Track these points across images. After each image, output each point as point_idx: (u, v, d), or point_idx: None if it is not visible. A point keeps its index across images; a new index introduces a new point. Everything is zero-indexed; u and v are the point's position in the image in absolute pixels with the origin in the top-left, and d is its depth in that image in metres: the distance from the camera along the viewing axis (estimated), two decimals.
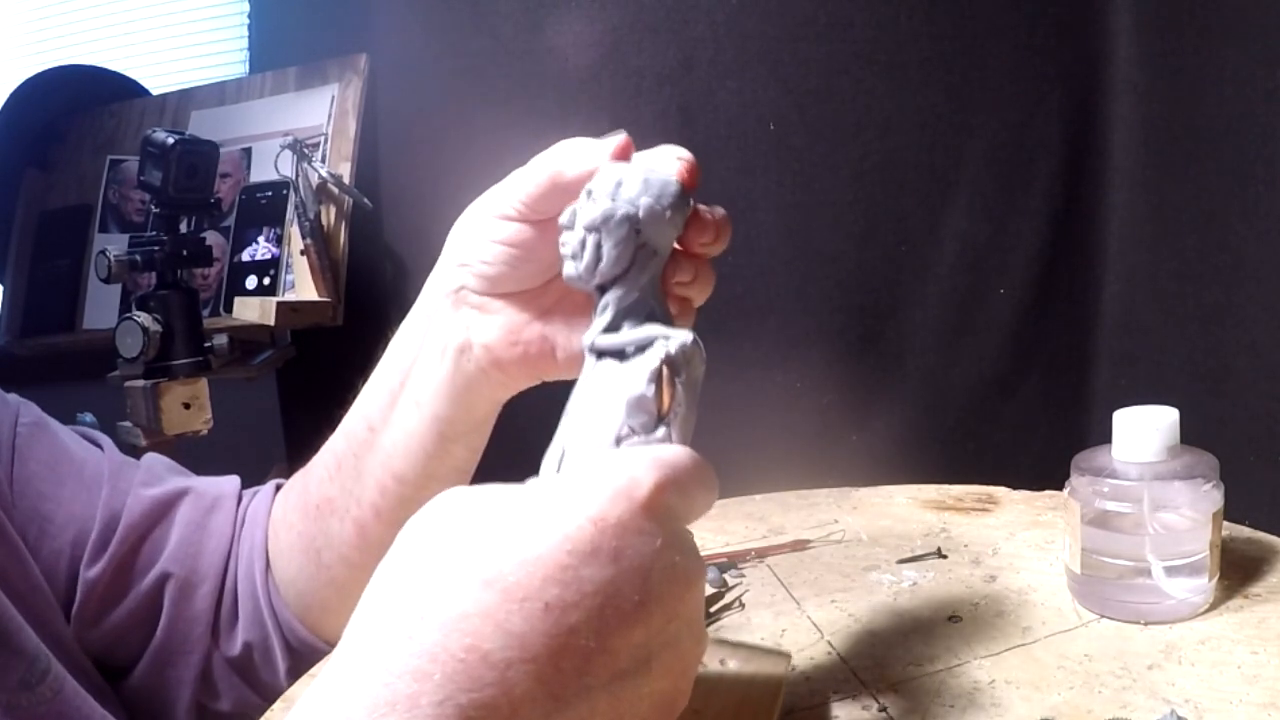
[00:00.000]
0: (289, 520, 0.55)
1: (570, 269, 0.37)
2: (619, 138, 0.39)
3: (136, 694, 0.54)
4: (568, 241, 0.37)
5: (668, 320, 0.38)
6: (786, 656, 0.46)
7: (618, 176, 0.37)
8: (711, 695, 0.40)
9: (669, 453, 0.31)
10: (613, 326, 0.37)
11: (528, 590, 0.28)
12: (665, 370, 0.34)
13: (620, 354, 0.36)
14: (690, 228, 0.38)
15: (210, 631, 0.54)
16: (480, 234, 0.43)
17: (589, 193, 0.37)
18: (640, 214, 0.36)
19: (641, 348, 0.36)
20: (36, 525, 0.51)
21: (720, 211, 0.40)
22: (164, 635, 0.53)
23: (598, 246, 0.36)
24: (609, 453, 0.34)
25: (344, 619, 0.29)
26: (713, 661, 0.44)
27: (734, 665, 0.44)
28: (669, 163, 0.38)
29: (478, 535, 0.29)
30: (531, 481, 0.34)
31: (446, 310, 0.45)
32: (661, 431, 0.34)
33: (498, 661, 0.27)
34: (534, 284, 0.44)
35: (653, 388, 0.34)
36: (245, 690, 0.55)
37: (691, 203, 0.38)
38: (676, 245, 0.39)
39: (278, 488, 0.58)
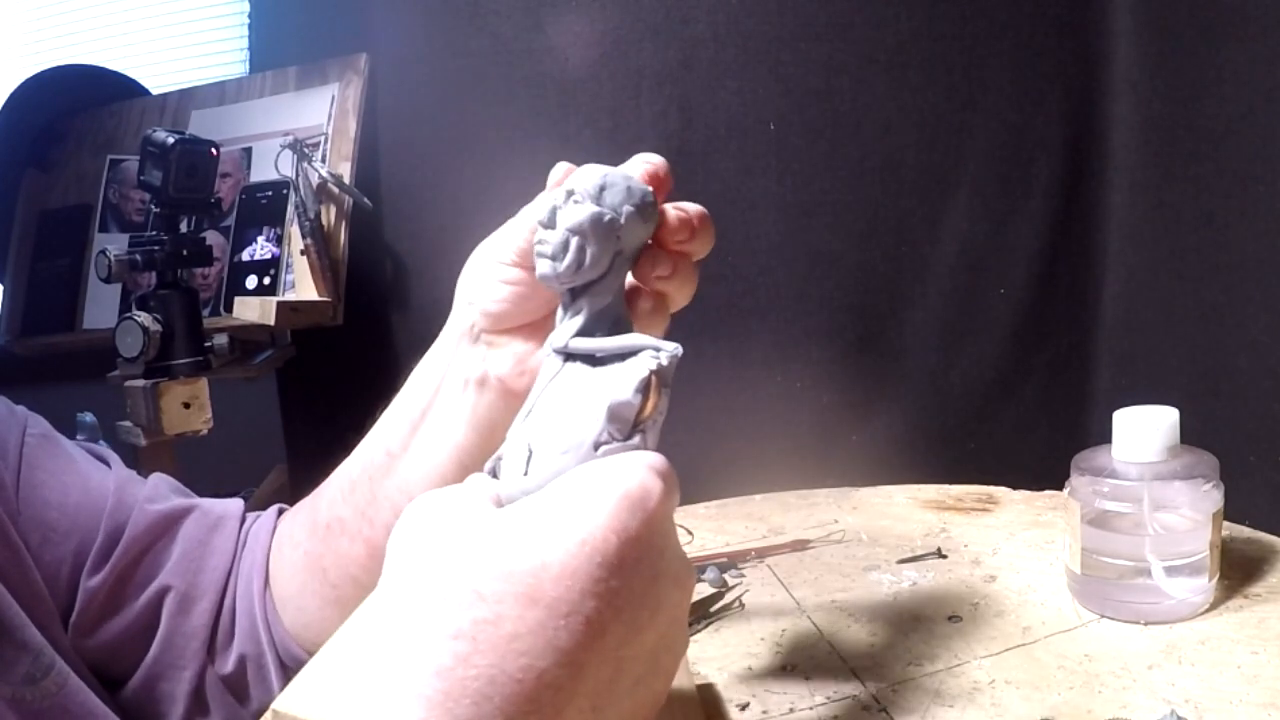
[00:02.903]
0: (295, 539, 0.56)
1: (547, 268, 0.37)
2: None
3: (129, 707, 0.54)
4: (547, 240, 0.37)
5: (629, 325, 0.38)
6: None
7: (599, 180, 0.37)
8: None
9: (659, 461, 0.32)
10: (585, 330, 0.37)
11: (570, 605, 0.28)
12: (655, 380, 0.34)
13: (590, 358, 0.36)
14: (662, 227, 0.39)
15: (206, 648, 0.54)
16: (486, 276, 0.46)
17: (569, 194, 0.37)
18: (623, 220, 0.36)
19: (621, 356, 0.36)
20: (40, 533, 0.52)
21: (694, 208, 0.40)
22: (159, 649, 0.54)
23: (582, 249, 0.36)
24: (598, 460, 0.33)
25: None
26: None
27: None
28: (639, 169, 0.39)
29: (504, 550, 0.29)
30: (476, 478, 0.34)
31: (465, 346, 0.48)
32: (637, 438, 0.34)
33: (551, 681, 0.28)
34: (537, 316, 0.46)
35: (639, 398, 0.34)
36: (237, 709, 0.55)
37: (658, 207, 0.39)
38: (649, 241, 0.39)
39: (280, 512, 0.59)
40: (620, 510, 0.30)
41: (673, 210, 0.39)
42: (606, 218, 0.36)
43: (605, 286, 0.37)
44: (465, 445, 0.49)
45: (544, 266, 0.37)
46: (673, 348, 0.35)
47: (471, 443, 0.49)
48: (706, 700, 0.47)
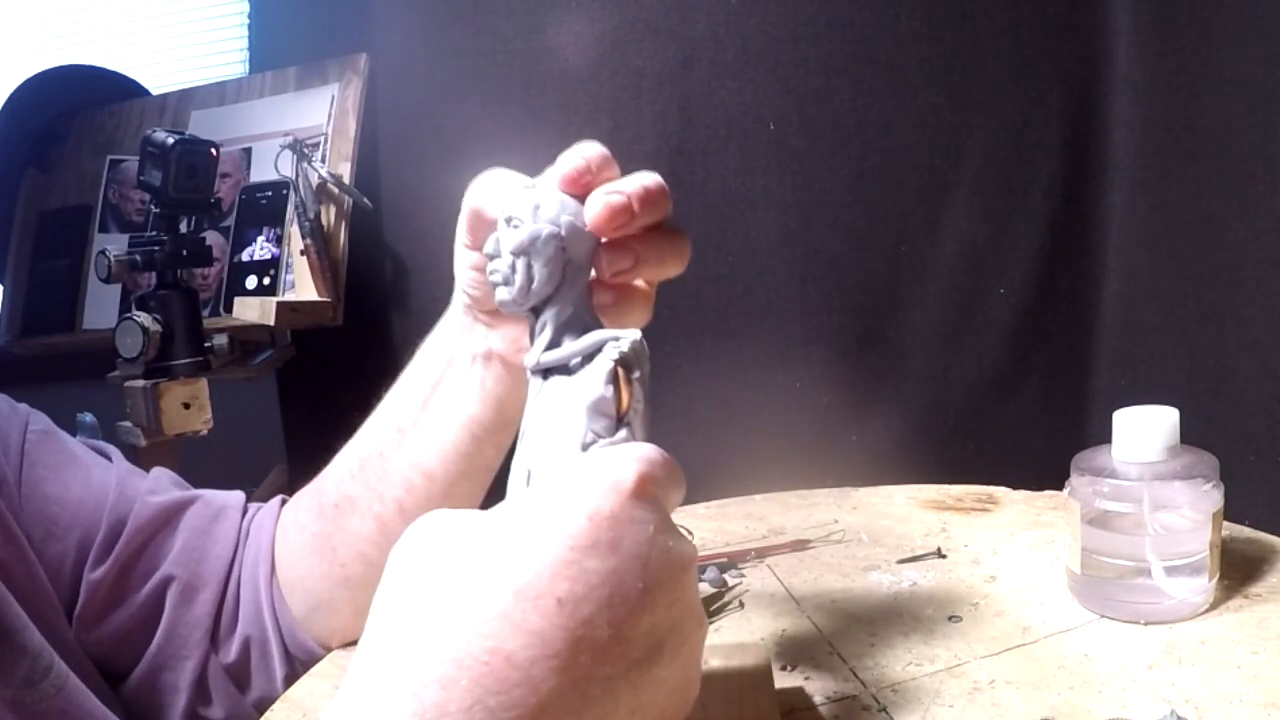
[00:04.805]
0: (301, 523, 0.56)
1: (504, 294, 0.38)
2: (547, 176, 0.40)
3: (132, 698, 0.54)
4: (497, 269, 0.38)
5: (600, 328, 0.38)
6: (761, 646, 0.46)
7: (534, 200, 0.38)
8: (708, 694, 0.40)
9: (647, 449, 0.33)
10: (553, 343, 0.38)
11: (539, 588, 0.28)
12: (620, 370, 0.35)
13: (565, 369, 0.37)
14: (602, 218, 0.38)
15: (209, 637, 0.55)
16: (457, 261, 0.47)
17: (509, 220, 0.38)
18: (563, 231, 0.37)
19: (589, 356, 0.36)
20: (43, 528, 0.52)
21: (633, 188, 0.38)
22: (163, 639, 0.54)
23: (528, 269, 0.37)
24: (581, 458, 0.34)
25: (350, 620, 0.29)
26: None
27: (716, 663, 0.44)
28: (561, 170, 0.39)
29: (480, 546, 0.30)
30: (499, 507, 0.34)
31: (467, 325, 0.50)
32: (623, 433, 0.35)
33: (521, 661, 0.28)
34: None
35: (610, 389, 0.35)
36: (239, 698, 0.55)
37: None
38: (602, 240, 0.39)
39: (283, 502, 0.60)
40: (592, 494, 0.30)
41: (603, 197, 0.38)
42: (545, 232, 0.37)
43: (564, 297, 0.38)
44: (477, 416, 0.50)
45: (502, 294, 0.38)
46: (631, 334, 0.36)
47: (482, 415, 0.50)
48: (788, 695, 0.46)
